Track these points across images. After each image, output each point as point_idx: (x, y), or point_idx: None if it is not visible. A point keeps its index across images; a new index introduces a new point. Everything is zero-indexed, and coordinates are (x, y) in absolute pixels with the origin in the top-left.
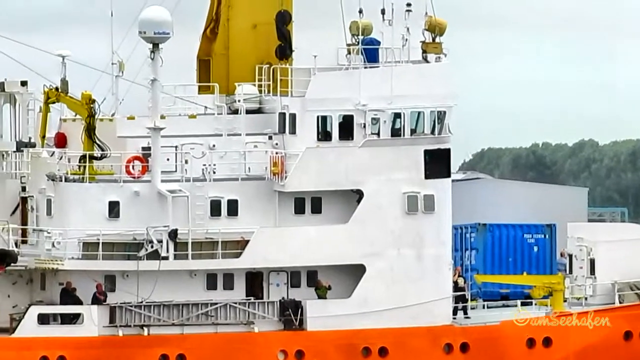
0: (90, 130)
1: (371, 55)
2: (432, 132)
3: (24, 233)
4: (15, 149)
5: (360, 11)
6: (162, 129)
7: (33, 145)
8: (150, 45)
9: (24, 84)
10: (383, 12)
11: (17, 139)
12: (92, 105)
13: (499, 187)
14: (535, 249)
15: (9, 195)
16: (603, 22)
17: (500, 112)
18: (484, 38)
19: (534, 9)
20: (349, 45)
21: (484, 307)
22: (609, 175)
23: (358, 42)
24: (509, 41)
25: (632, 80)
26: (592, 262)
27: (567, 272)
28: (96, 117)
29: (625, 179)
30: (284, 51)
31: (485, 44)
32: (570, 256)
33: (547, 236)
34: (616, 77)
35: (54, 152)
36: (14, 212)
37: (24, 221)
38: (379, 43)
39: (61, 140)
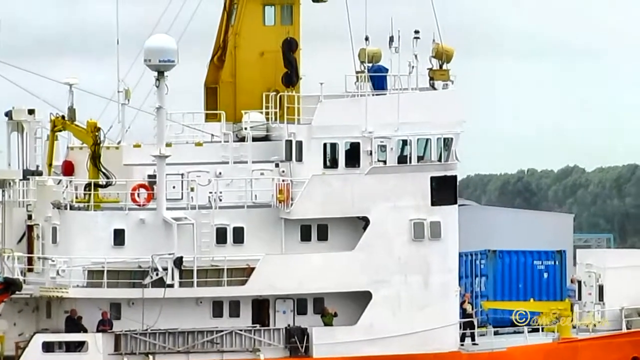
0: (95, 158)
1: (379, 82)
2: (440, 159)
3: (30, 261)
4: (22, 177)
5: (367, 38)
6: (167, 156)
7: (40, 174)
8: (156, 73)
9: (31, 112)
10: (391, 39)
11: (25, 167)
12: (97, 133)
13: (486, 215)
14: (545, 275)
15: (16, 223)
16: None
17: (486, 138)
18: (473, 65)
19: (527, 35)
20: (357, 72)
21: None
22: (595, 201)
23: (367, 70)
24: (497, 67)
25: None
26: (601, 289)
27: (577, 298)
28: (102, 145)
29: (611, 205)
30: (291, 79)
31: (473, 71)
32: (580, 282)
33: (557, 263)
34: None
35: (60, 181)
36: (20, 240)
37: (30, 249)
38: (386, 70)
39: (68, 168)
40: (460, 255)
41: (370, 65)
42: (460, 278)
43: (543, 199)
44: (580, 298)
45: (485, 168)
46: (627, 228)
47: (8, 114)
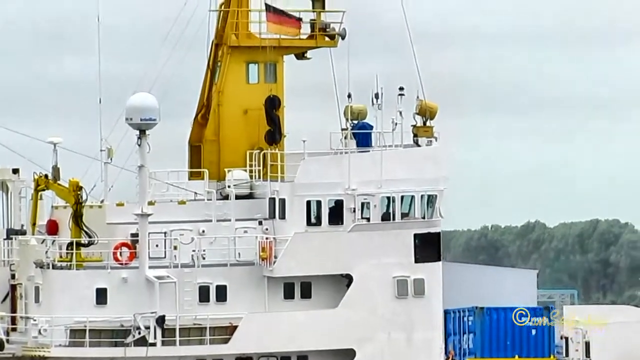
0: (77, 217)
1: (364, 139)
2: (424, 216)
3: (13, 320)
4: (5, 237)
5: (349, 95)
6: (149, 215)
7: (23, 233)
8: (137, 132)
9: (15, 171)
10: (377, 96)
11: (9, 227)
12: (79, 192)
13: (448, 271)
14: (534, 332)
15: None
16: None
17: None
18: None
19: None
20: (343, 129)
21: None
22: (558, 257)
23: (351, 127)
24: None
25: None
26: (587, 345)
27: (564, 355)
28: (84, 203)
29: (574, 261)
30: (274, 136)
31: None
32: (567, 339)
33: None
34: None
35: (44, 240)
36: (4, 299)
37: (14, 308)
38: (371, 127)
39: (53, 228)
40: (448, 312)
41: (355, 122)
42: (448, 335)
43: (506, 255)
44: (567, 354)
45: (449, 224)
46: (591, 284)
47: None
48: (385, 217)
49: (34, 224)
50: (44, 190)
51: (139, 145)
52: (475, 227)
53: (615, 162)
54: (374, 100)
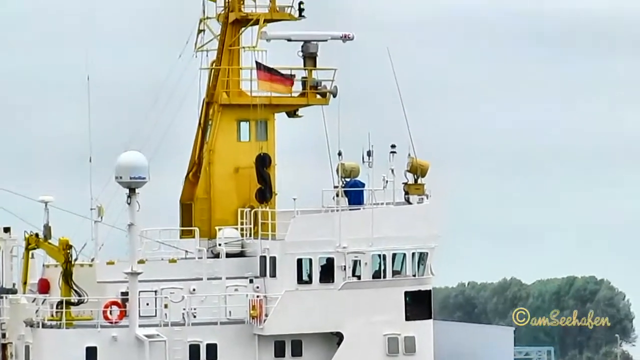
0: (67, 276)
1: (356, 197)
2: (415, 273)
3: None
4: None
5: (340, 153)
6: (139, 273)
7: (14, 292)
8: (127, 190)
9: (7, 230)
10: (369, 154)
11: (0, 285)
12: (68, 251)
13: None
14: None
15: None
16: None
17: None
18: None
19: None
20: (335, 187)
21: None
22: (535, 314)
23: (344, 184)
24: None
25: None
26: None
27: None
28: (74, 262)
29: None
30: (264, 195)
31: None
32: None
33: None
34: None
35: (35, 299)
36: None
37: None
38: (363, 185)
39: (44, 286)
40: None
41: (347, 180)
42: None
43: (483, 312)
44: None
45: None
46: (567, 341)
47: None
48: (377, 275)
49: (25, 283)
50: (34, 249)
51: (129, 204)
52: (452, 285)
53: (591, 219)
54: (366, 157)
